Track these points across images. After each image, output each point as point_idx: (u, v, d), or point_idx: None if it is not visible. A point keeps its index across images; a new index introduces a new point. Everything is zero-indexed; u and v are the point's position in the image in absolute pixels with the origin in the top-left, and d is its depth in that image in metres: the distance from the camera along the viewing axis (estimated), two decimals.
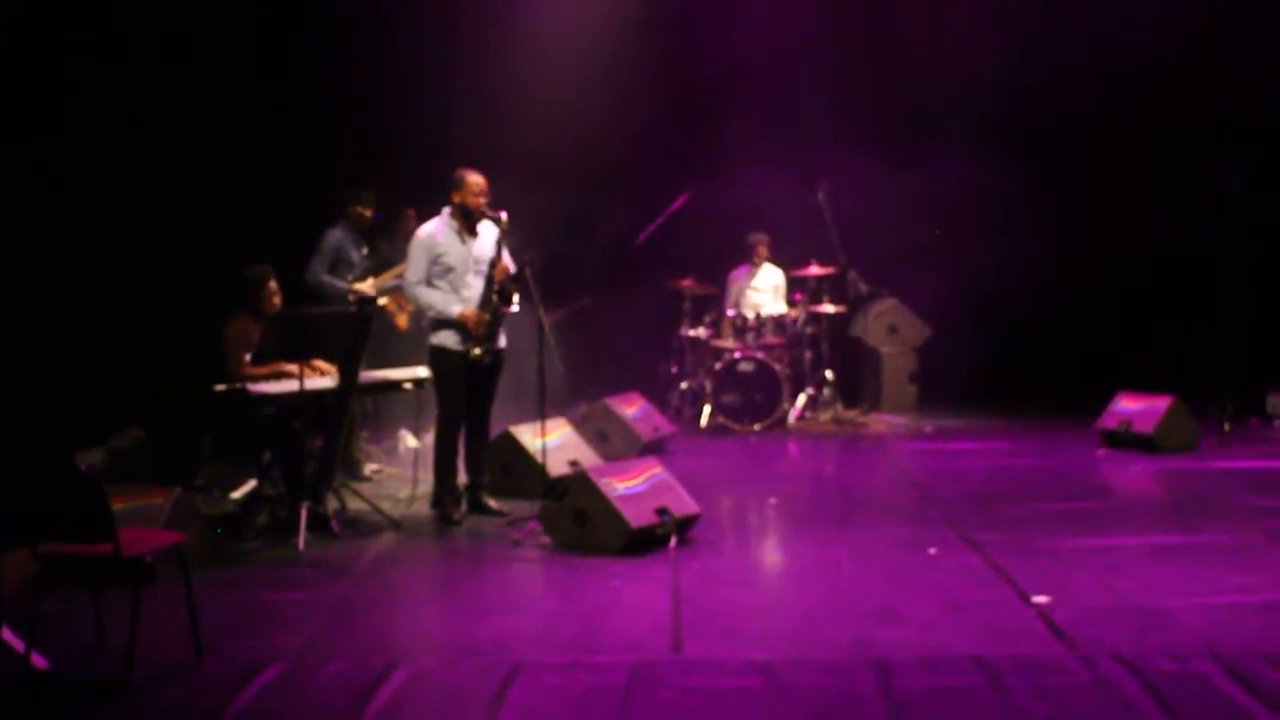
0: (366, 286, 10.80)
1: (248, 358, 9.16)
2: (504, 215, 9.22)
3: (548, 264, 9.95)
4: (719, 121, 13.91)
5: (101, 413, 9.60)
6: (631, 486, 8.59)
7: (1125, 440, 11.72)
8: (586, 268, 13.30)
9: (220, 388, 8.84)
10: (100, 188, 10.77)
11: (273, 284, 9.29)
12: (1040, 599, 7.14)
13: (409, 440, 11.71)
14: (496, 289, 9.21)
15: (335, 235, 10.88)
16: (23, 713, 5.86)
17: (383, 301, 10.85)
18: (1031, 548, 8.32)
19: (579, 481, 8.60)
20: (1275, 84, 13.34)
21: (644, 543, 8.35)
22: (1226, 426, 12.16)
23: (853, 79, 13.82)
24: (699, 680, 6.01)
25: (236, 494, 9.50)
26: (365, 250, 11.07)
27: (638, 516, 8.36)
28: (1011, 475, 10.91)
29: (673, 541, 8.42)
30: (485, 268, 9.26)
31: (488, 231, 9.32)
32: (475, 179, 9.26)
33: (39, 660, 6.17)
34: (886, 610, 7.07)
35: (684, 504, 8.75)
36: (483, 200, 9.26)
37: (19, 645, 6.20)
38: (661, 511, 8.51)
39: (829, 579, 7.84)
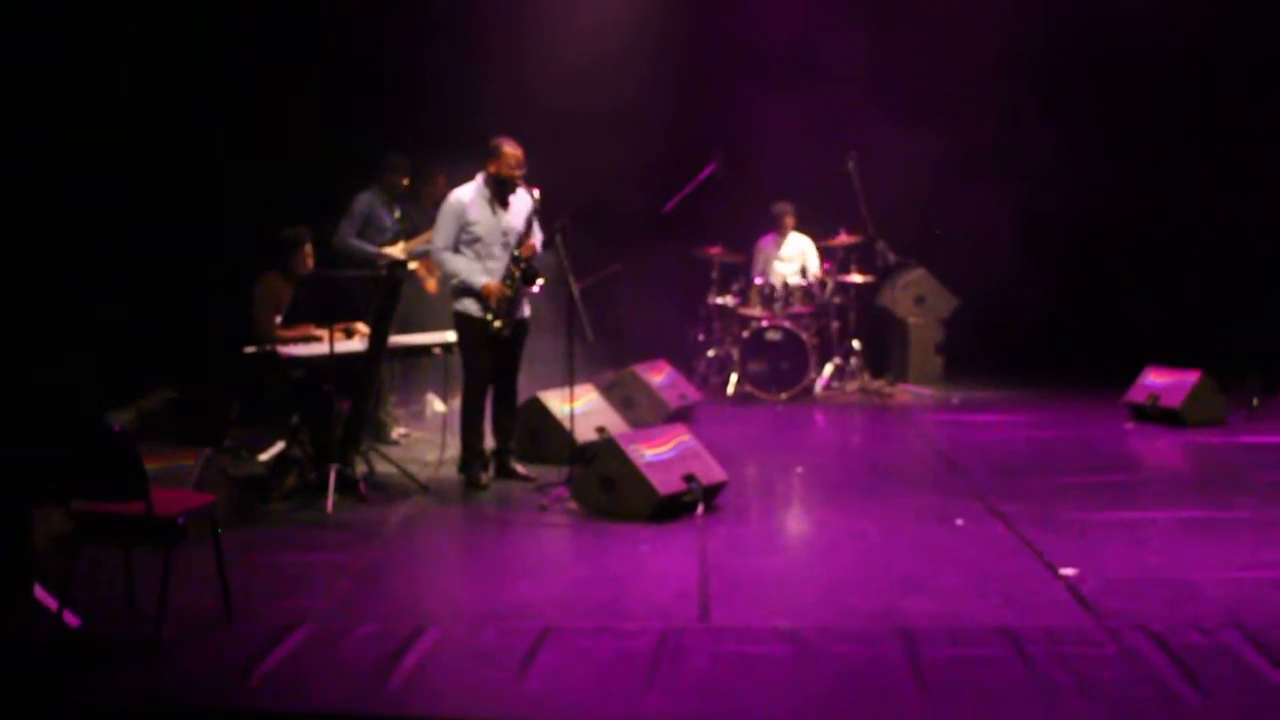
0: (396, 250, 10.82)
1: (278, 319, 9.19)
2: (537, 192, 9.20)
3: (578, 231, 9.92)
4: (748, 89, 13.86)
5: (131, 373, 9.62)
6: (659, 453, 8.60)
7: (1153, 414, 11.68)
8: (616, 235, 13.25)
9: (250, 349, 8.88)
10: (140, 146, 10.76)
11: (308, 247, 9.31)
12: (1067, 571, 7.14)
13: (436, 405, 11.74)
14: (521, 266, 9.20)
15: (366, 199, 10.89)
16: (55, 670, 5.90)
17: (412, 266, 10.86)
18: (1059, 520, 8.31)
19: (607, 448, 8.61)
20: None
21: (671, 510, 8.37)
22: (1255, 401, 12.10)
23: (882, 46, 13.76)
24: (727, 647, 6.04)
25: (265, 456, 9.51)
26: (397, 214, 11.07)
27: (665, 484, 8.38)
28: (1038, 447, 10.87)
29: (700, 509, 8.44)
30: (513, 240, 9.24)
31: (520, 204, 9.31)
32: (512, 150, 9.24)
33: (71, 618, 6.22)
34: (913, 580, 7.09)
35: (711, 472, 8.76)
36: (518, 172, 9.24)
37: (52, 603, 6.25)
38: (689, 479, 8.52)
39: (856, 548, 7.85)
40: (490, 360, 9.32)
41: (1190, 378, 11.62)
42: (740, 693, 5.54)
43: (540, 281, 9.25)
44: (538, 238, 9.30)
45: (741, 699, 5.48)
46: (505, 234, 9.26)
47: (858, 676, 5.69)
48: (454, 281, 9.30)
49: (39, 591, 6.36)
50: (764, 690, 5.56)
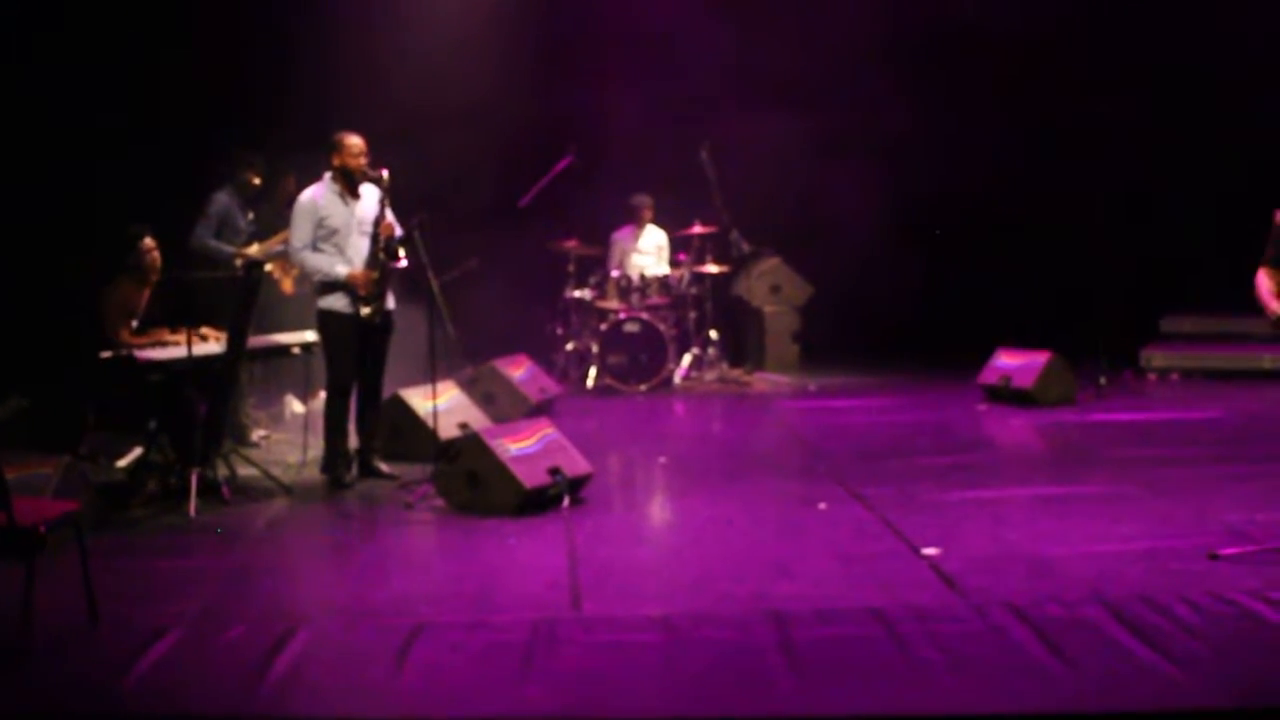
0: (253, 251, 10.72)
1: (133, 324, 9.07)
2: (385, 174, 9.21)
3: (435, 226, 9.91)
4: (604, 80, 13.92)
5: None
6: (524, 447, 8.62)
7: (1006, 395, 11.93)
8: (473, 230, 13.22)
9: (105, 355, 8.75)
10: None
11: (148, 241, 9.19)
12: (930, 550, 7.26)
13: (295, 406, 11.66)
14: (383, 246, 9.19)
15: (221, 199, 10.78)
16: None
17: (268, 267, 10.77)
18: (919, 501, 8.46)
19: (471, 443, 8.62)
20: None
21: (538, 503, 8.40)
22: (1103, 380, 12.41)
23: (736, 34, 13.85)
24: (599, 636, 6.07)
25: (123, 461, 9.39)
26: (250, 216, 10.97)
27: (531, 477, 8.40)
28: (896, 431, 11.07)
29: (566, 501, 8.48)
30: (370, 228, 9.24)
31: (370, 192, 9.32)
32: (354, 140, 9.25)
33: None
34: (780, 564, 7.17)
35: (576, 464, 8.79)
36: (363, 161, 9.25)
37: None
38: (554, 471, 8.55)
39: (722, 535, 7.93)
40: (355, 357, 9.28)
41: (1040, 358, 11.89)
42: (615, 679, 5.58)
43: (403, 254, 9.23)
44: (393, 218, 9.28)
45: (617, 685, 5.52)
46: (361, 223, 9.26)
47: (730, 660, 5.75)
48: (317, 278, 9.26)
49: None
50: (638, 676, 5.60)
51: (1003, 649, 5.76)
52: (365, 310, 9.14)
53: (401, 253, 9.25)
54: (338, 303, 9.19)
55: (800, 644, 5.85)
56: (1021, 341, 12.22)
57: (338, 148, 9.26)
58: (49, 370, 9.63)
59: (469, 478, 8.51)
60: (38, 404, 9.36)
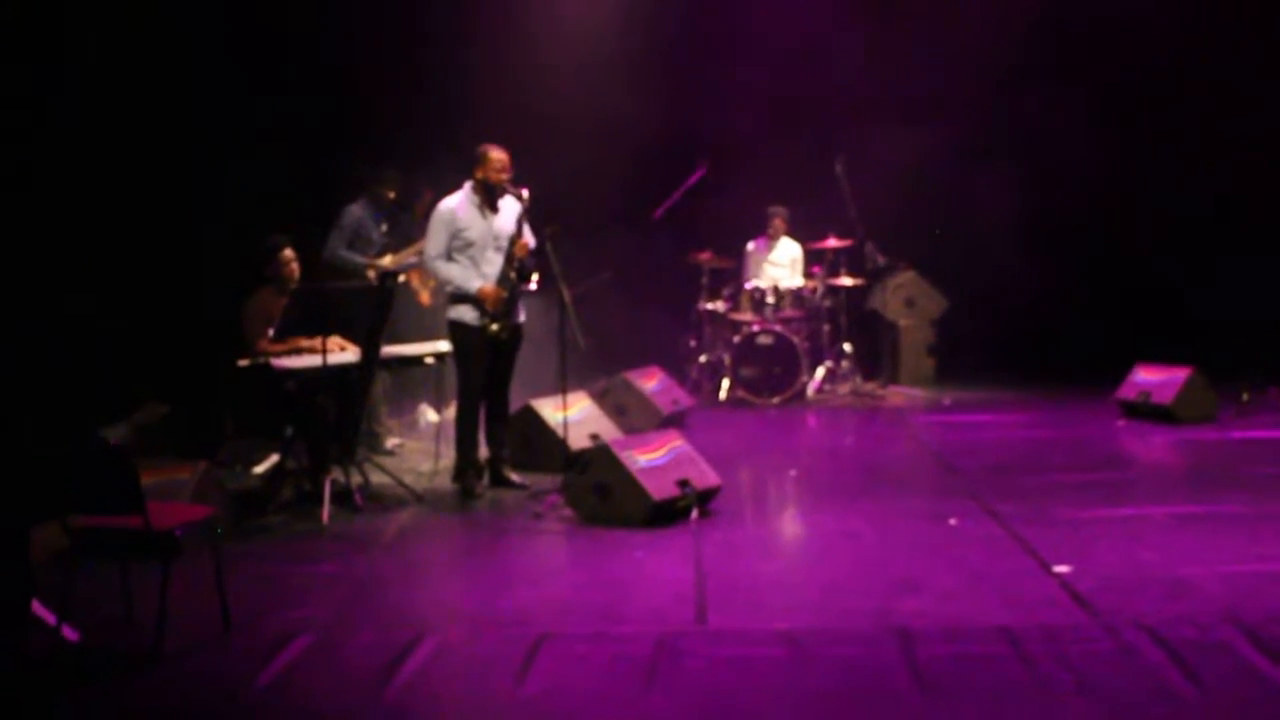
0: (386, 262, 10.84)
1: (270, 333, 9.21)
2: (525, 192, 9.24)
3: (568, 239, 9.96)
4: (736, 93, 13.89)
5: (125, 388, 9.63)
6: (653, 459, 8.62)
7: (1144, 411, 11.71)
8: (607, 242, 13.26)
9: (243, 363, 8.90)
10: (134, 159, 10.76)
11: (287, 252, 9.33)
12: (1061, 568, 7.15)
13: (429, 414, 11.76)
14: (516, 266, 9.23)
15: (355, 212, 10.92)
16: (54, 684, 5.91)
17: (402, 277, 10.89)
18: (1052, 518, 8.32)
19: (601, 454, 8.63)
20: None
21: (666, 515, 8.38)
22: (1245, 396, 12.16)
23: (873, 46, 13.76)
24: (724, 650, 6.05)
25: (260, 468, 9.56)
26: (385, 228, 11.10)
27: (659, 489, 8.39)
28: (1031, 446, 10.92)
29: (694, 514, 8.46)
30: (505, 244, 9.28)
31: (509, 207, 9.34)
32: (498, 154, 9.28)
33: (69, 633, 6.23)
34: (909, 580, 7.10)
35: (705, 476, 8.77)
36: (505, 176, 9.28)
37: (50, 618, 6.26)
38: (683, 484, 8.54)
39: (851, 550, 7.87)
40: (485, 368, 9.34)
41: (1180, 374, 11.66)
42: (738, 694, 5.55)
43: (535, 277, 9.27)
44: (530, 237, 9.32)
45: (739, 701, 5.50)
46: (497, 238, 9.29)
47: (855, 677, 5.70)
48: (449, 289, 9.33)
49: (37, 606, 6.37)
50: (761, 692, 5.57)
51: (1133, 671, 5.65)
52: (493, 327, 9.18)
53: (534, 276, 9.28)
54: (467, 315, 9.24)
55: (926, 661, 5.79)
56: (1162, 356, 11.99)
57: (481, 160, 9.30)
58: (188, 377, 9.79)
59: (598, 489, 8.53)
60: (177, 410, 9.53)
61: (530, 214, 9.32)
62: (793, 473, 10.14)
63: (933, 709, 5.36)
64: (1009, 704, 5.37)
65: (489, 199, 9.30)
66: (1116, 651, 5.88)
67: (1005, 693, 5.47)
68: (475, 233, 9.25)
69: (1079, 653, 5.85)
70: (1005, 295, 14.11)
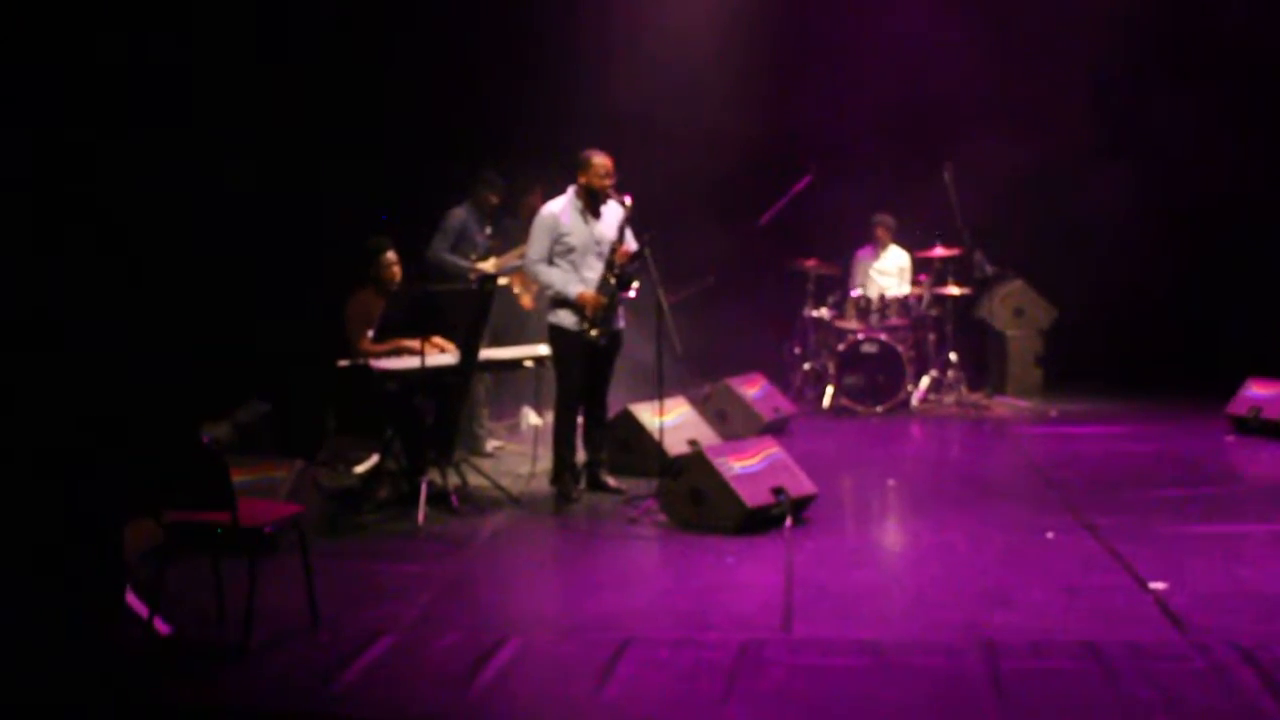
0: (489, 265, 10.92)
1: (369, 333, 9.31)
2: (629, 199, 9.25)
3: (670, 244, 9.98)
4: (844, 99, 13.82)
5: (228, 387, 9.78)
6: (748, 466, 8.61)
7: (1255, 427, 11.48)
8: (710, 248, 13.25)
9: (343, 363, 9.00)
10: (237, 161, 10.92)
11: (390, 254, 9.42)
12: (1157, 585, 7.04)
13: (531, 417, 11.81)
14: (616, 272, 9.25)
15: (459, 214, 11.00)
16: (146, 675, 6.02)
17: (505, 281, 10.96)
18: (1152, 533, 8.19)
19: (695, 460, 8.63)
20: None
21: (759, 522, 8.37)
22: None
23: (978, 54, 13.64)
24: (806, 659, 6.04)
25: (360, 468, 9.66)
26: (488, 230, 11.18)
27: (753, 496, 8.38)
28: (1136, 460, 10.73)
29: (788, 521, 8.43)
30: (607, 249, 9.31)
31: (612, 213, 9.37)
32: (601, 160, 9.31)
33: (162, 625, 6.35)
34: (999, 593, 7.03)
35: (800, 484, 8.75)
36: (608, 182, 9.30)
37: (143, 610, 6.38)
38: (777, 491, 8.51)
39: (943, 561, 7.82)
40: (584, 373, 9.38)
41: None
42: (817, 704, 5.54)
43: (635, 285, 9.28)
44: (632, 244, 9.35)
45: (818, 710, 5.48)
46: (599, 243, 9.32)
47: (937, 689, 5.67)
48: (549, 293, 9.38)
49: (131, 599, 6.49)
50: (841, 702, 5.55)
51: (1222, 690, 5.57)
52: (592, 333, 9.21)
53: (634, 284, 9.29)
54: (566, 319, 9.28)
55: (1009, 675, 5.74)
56: (1276, 371, 11.75)
57: (585, 165, 9.33)
58: (291, 377, 9.92)
59: (692, 494, 8.53)
60: (279, 409, 9.65)
61: (632, 220, 9.33)
62: (891, 482, 10.08)
63: None
64: None
65: (592, 204, 9.33)
66: (1206, 670, 5.79)
67: (1088, 709, 5.41)
68: (577, 238, 9.28)
69: (1167, 670, 5.77)
70: (1116, 305, 13.92)
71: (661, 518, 8.71)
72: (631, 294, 9.31)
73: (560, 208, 9.36)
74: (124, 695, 5.81)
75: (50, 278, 7.02)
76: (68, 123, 7.98)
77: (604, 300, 9.21)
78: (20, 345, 6.79)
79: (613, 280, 9.24)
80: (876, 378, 13.15)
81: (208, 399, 9.34)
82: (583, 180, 9.33)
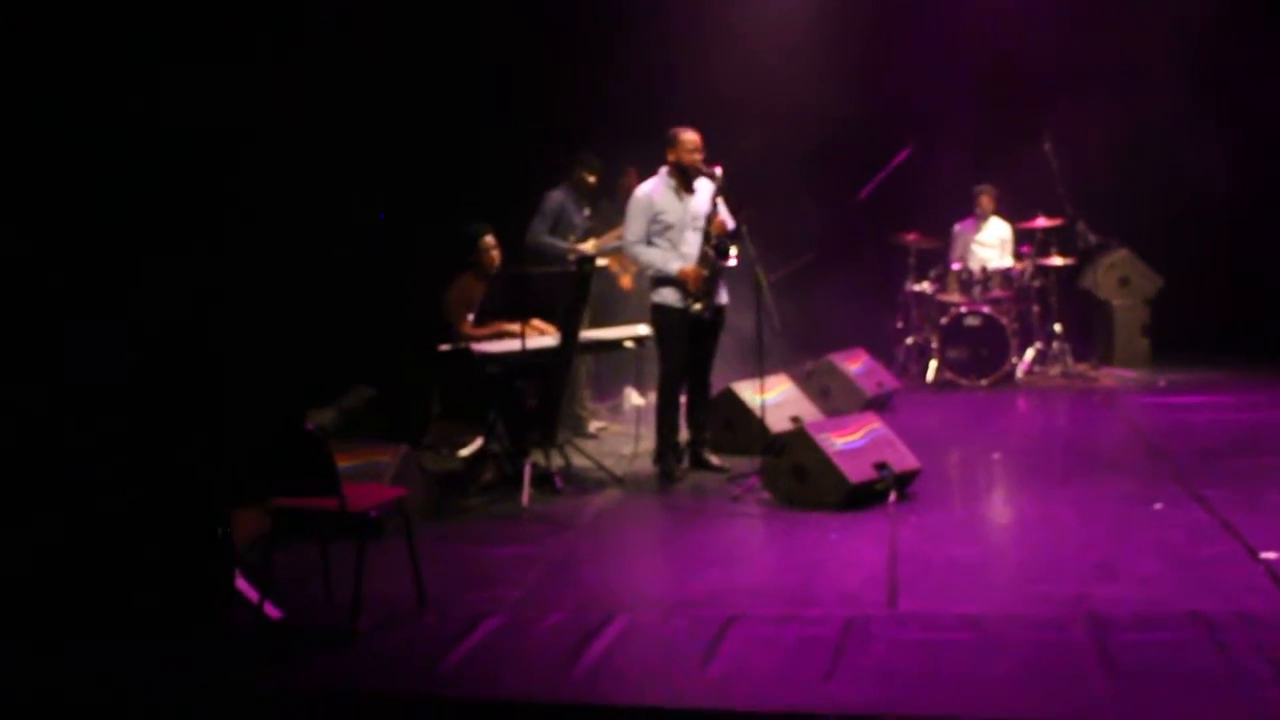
0: (588, 247, 10.96)
1: (470, 317, 9.38)
2: (719, 170, 9.26)
3: (769, 221, 9.96)
4: (942, 72, 13.72)
5: (334, 373, 9.89)
6: (850, 442, 8.59)
7: None
8: (810, 224, 13.21)
9: (445, 347, 9.08)
10: (334, 150, 11.03)
11: (489, 239, 9.51)
12: (1269, 554, 6.93)
13: (634, 398, 11.84)
14: (713, 244, 9.26)
15: (557, 197, 11.04)
16: (256, 658, 6.12)
17: (604, 262, 10.99)
18: (1262, 502, 8.05)
19: (797, 437, 8.62)
20: None
21: (863, 498, 8.34)
22: None
23: (1076, 19, 13.47)
24: (911, 634, 6.02)
25: (465, 451, 9.72)
26: (587, 212, 11.22)
27: (856, 472, 8.36)
28: (1246, 429, 10.57)
29: (892, 496, 8.40)
30: (703, 224, 9.32)
31: (704, 188, 9.38)
32: (690, 136, 9.33)
33: (272, 610, 6.45)
34: (1107, 566, 6.96)
35: (904, 459, 8.71)
36: (698, 157, 9.32)
37: (253, 596, 6.49)
38: (881, 466, 8.49)
39: (1049, 534, 7.75)
40: (686, 351, 9.39)
41: None
42: (922, 678, 5.51)
43: (735, 253, 9.28)
44: (725, 215, 9.35)
45: (923, 685, 5.45)
46: (695, 219, 9.34)
47: (1042, 662, 5.62)
48: (650, 272, 9.41)
49: (241, 585, 6.60)
50: (946, 676, 5.52)
51: None
52: (696, 306, 9.23)
53: (733, 251, 9.29)
54: (669, 297, 9.30)
55: (1116, 648, 5.68)
56: None
57: (674, 142, 9.36)
58: (396, 362, 10.01)
59: (795, 471, 8.52)
60: (384, 394, 9.75)
61: (726, 191, 9.32)
62: (996, 455, 10.00)
63: (1119, 696, 5.25)
64: (1200, 693, 5.23)
65: (684, 181, 9.35)
66: None
67: (1197, 681, 5.34)
68: (672, 215, 9.31)
69: (1278, 641, 5.68)
70: (1223, 273, 13.72)
71: (765, 495, 8.71)
72: (732, 262, 9.31)
73: (653, 187, 9.40)
74: (235, 678, 5.91)
75: (156, 271, 7.14)
76: (164, 113, 8.10)
77: (704, 272, 9.23)
78: (129, 341, 6.92)
79: (711, 252, 9.25)
80: (980, 351, 13.07)
81: (313, 386, 9.44)
82: (672, 158, 9.35)
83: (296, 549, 6.81)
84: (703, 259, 9.25)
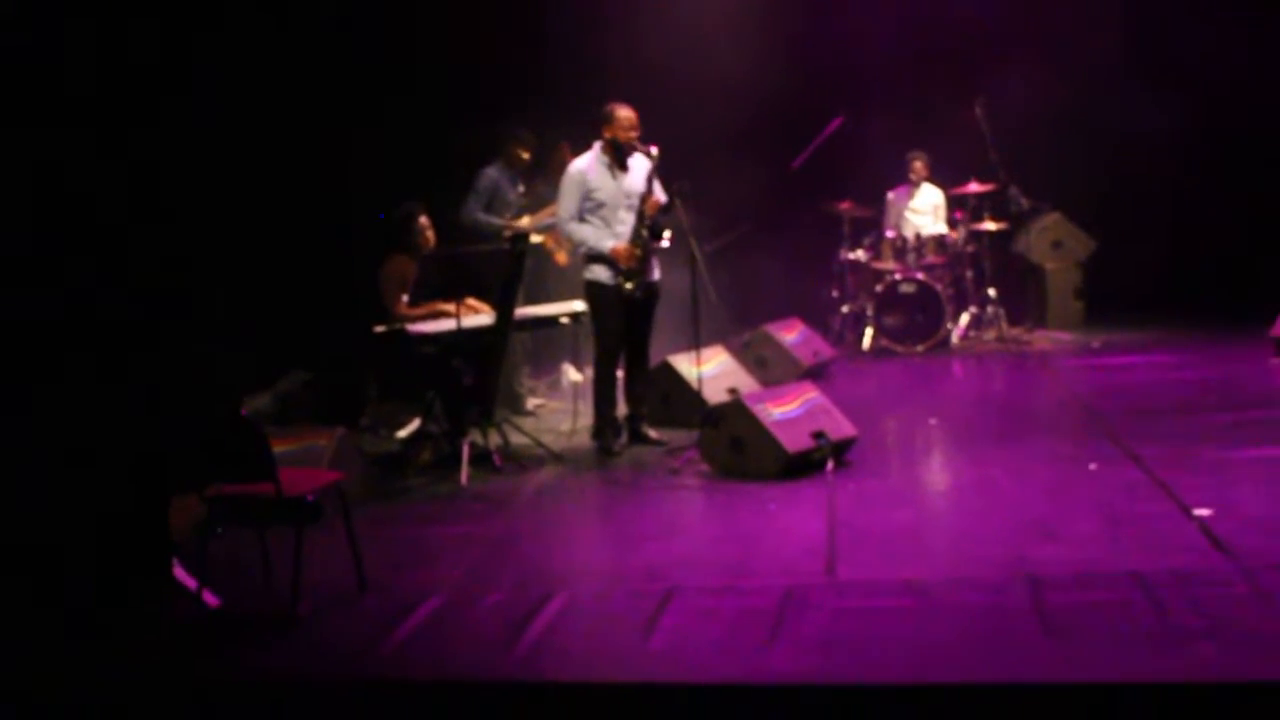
0: (523, 224, 10.92)
1: (405, 298, 9.35)
2: (655, 149, 9.25)
3: (702, 193, 9.96)
4: (873, 39, 13.72)
5: (268, 357, 9.83)
6: (787, 411, 8.61)
7: None
8: (744, 194, 13.21)
9: (380, 328, 9.04)
10: (257, 134, 10.94)
11: (423, 219, 9.47)
12: (1202, 511, 7.00)
13: (571, 374, 11.81)
14: (647, 224, 9.26)
15: (490, 174, 10.99)
16: (196, 648, 6.08)
17: (539, 239, 10.96)
18: (1196, 460, 8.13)
19: (734, 408, 8.64)
20: None
21: (801, 467, 8.37)
22: None
23: None
24: (850, 601, 6.05)
25: (403, 432, 9.69)
26: (521, 189, 11.17)
27: (793, 441, 8.38)
28: (1179, 388, 10.67)
29: (830, 465, 8.43)
30: (636, 202, 9.32)
31: (639, 165, 9.36)
32: (625, 113, 9.31)
33: (210, 598, 6.41)
34: (1044, 526, 7.02)
35: (840, 427, 8.74)
36: (634, 134, 9.31)
37: (191, 584, 6.44)
38: (818, 435, 8.51)
39: (986, 497, 7.79)
40: (621, 327, 9.39)
41: None
42: (862, 645, 5.54)
43: (668, 234, 9.28)
44: (661, 195, 9.35)
45: (863, 652, 5.48)
46: (628, 197, 9.33)
47: (981, 625, 5.66)
48: (583, 249, 9.40)
49: (179, 573, 6.55)
50: (886, 642, 5.55)
51: (1268, 614, 5.54)
52: (628, 285, 9.23)
53: (667, 233, 9.29)
54: (602, 274, 9.30)
55: (1055, 608, 5.73)
56: None
57: (609, 119, 9.33)
58: (331, 344, 9.96)
59: (732, 443, 8.54)
60: (320, 377, 9.70)
61: (660, 171, 9.32)
62: (932, 421, 10.05)
63: (1058, 655, 5.29)
64: (1137, 649, 5.28)
65: (618, 158, 9.34)
66: (1252, 595, 5.76)
67: (1133, 638, 5.39)
68: (606, 193, 9.30)
69: (1213, 597, 5.74)
70: (1155, 234, 13.80)
71: (704, 467, 8.72)
72: (665, 244, 9.32)
73: (587, 164, 9.38)
74: (174, 667, 5.87)
75: (82, 259, 7.04)
76: (106, 112, 7.99)
77: (637, 252, 9.23)
78: (58, 328, 6.82)
79: (645, 231, 9.25)
80: (915, 317, 13.12)
81: (248, 371, 9.39)
82: (608, 134, 9.33)
83: (235, 535, 6.77)
84: (635, 237, 9.25)
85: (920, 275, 13.06)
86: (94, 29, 7.15)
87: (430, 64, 12.41)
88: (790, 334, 12.04)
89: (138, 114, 7.61)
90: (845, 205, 13.51)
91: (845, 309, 13.70)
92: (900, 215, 13.93)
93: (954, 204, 13.80)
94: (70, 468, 6.43)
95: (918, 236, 13.32)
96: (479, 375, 9.25)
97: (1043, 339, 13.59)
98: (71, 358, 6.71)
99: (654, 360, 9.94)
